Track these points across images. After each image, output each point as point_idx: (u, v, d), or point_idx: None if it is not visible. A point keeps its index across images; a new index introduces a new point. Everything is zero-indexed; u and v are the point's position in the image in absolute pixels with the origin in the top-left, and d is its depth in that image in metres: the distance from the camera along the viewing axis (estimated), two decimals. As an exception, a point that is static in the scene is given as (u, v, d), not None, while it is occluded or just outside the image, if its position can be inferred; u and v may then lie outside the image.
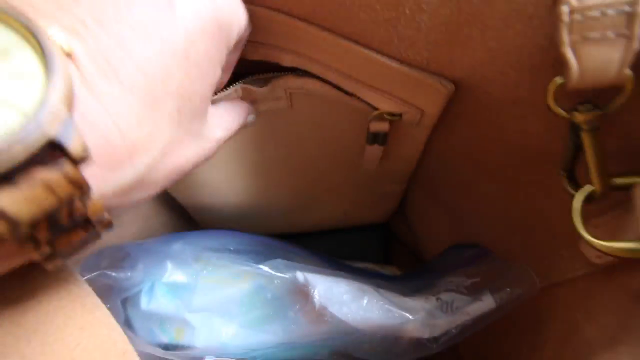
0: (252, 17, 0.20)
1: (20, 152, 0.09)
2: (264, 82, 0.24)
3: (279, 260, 0.27)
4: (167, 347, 0.25)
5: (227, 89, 0.24)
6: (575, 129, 0.16)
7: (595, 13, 0.14)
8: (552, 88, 0.15)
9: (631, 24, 0.14)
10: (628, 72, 0.14)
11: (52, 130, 0.10)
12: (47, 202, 0.10)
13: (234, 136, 0.21)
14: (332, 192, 0.34)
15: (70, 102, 0.11)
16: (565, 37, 0.14)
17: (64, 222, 0.11)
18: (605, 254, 0.17)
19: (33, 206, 0.10)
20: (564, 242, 0.21)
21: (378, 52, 0.18)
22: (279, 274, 0.26)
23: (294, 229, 0.42)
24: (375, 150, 0.24)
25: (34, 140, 0.10)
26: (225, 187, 0.33)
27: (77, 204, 0.11)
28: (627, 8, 0.14)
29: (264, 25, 0.20)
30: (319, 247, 0.45)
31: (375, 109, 0.21)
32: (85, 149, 0.11)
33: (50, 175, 0.10)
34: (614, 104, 0.15)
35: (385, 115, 0.21)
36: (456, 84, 0.18)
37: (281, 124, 0.26)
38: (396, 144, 0.24)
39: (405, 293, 0.26)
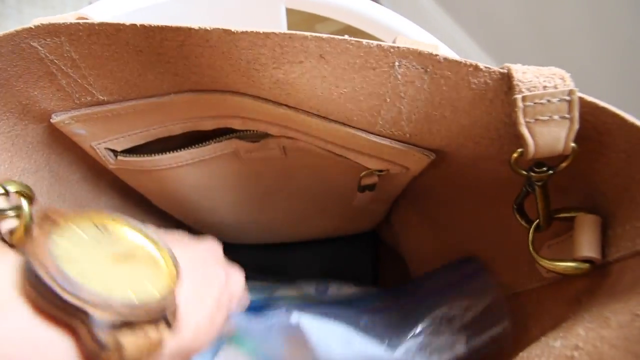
0: (241, 104, 0.22)
1: (150, 313, 0.16)
2: (257, 138, 0.25)
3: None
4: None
5: (220, 142, 0.26)
6: (530, 181, 0.20)
7: (543, 101, 0.17)
8: (514, 157, 0.19)
9: (571, 109, 0.17)
10: (573, 145, 0.17)
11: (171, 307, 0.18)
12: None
13: (232, 168, 0.27)
14: (323, 213, 0.37)
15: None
16: (521, 118, 0.17)
17: None
18: (550, 270, 0.21)
19: (137, 349, 0.16)
20: (525, 258, 0.24)
21: (364, 131, 0.21)
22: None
23: (286, 239, 0.45)
24: (365, 195, 0.27)
25: (160, 309, 0.17)
26: (224, 209, 0.35)
27: None
28: (567, 97, 0.17)
29: (254, 108, 0.22)
30: (311, 254, 0.48)
31: (365, 166, 0.24)
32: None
33: (152, 334, 0.16)
34: (561, 166, 0.18)
35: (374, 171, 0.24)
36: (436, 151, 0.21)
37: (277, 164, 0.28)
38: (383, 186, 0.27)
39: (387, 332, 0.27)
